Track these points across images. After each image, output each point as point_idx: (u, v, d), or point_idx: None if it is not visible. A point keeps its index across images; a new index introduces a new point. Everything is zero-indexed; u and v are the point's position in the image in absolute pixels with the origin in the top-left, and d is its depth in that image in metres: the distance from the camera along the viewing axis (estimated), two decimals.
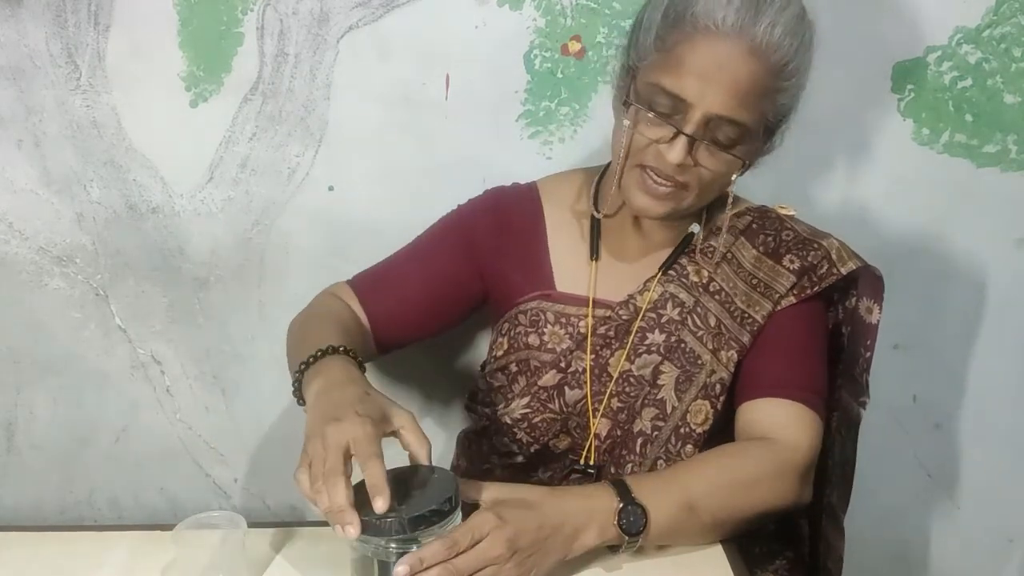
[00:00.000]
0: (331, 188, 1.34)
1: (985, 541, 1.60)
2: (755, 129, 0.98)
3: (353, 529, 0.78)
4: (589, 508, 0.91)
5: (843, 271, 1.05)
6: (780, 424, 1.02)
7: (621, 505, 0.91)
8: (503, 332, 1.13)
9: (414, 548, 0.80)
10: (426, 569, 0.79)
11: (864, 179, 1.36)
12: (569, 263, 1.12)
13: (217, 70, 1.27)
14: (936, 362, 1.47)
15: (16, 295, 1.38)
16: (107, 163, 1.31)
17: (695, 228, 1.10)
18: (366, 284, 1.16)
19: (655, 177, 0.99)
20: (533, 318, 1.11)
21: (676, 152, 0.96)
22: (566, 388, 1.10)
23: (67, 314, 1.40)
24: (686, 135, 0.95)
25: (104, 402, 1.46)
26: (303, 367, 0.95)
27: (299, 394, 0.96)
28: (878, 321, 1.08)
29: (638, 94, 0.99)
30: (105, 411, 1.47)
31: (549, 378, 1.10)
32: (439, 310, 1.17)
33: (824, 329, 1.11)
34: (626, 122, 0.99)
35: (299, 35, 1.26)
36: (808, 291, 1.06)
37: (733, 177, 1.01)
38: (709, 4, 0.92)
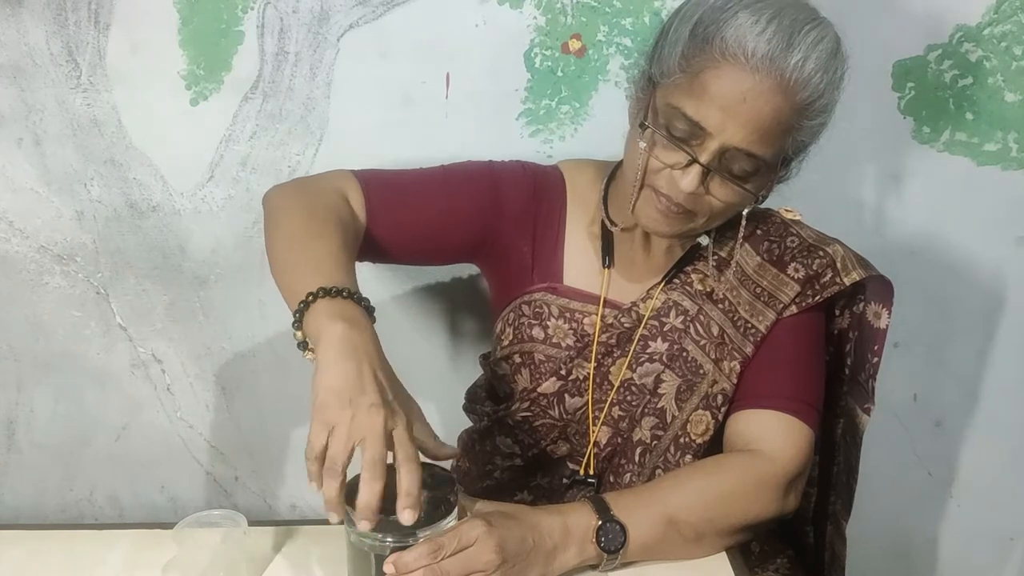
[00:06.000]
0: None
1: (986, 539, 1.60)
2: (772, 163, 0.96)
3: (336, 517, 0.79)
4: (567, 525, 0.90)
5: (846, 281, 1.03)
6: (766, 436, 1.01)
7: (599, 522, 0.91)
8: (509, 322, 1.13)
9: (410, 543, 0.81)
10: (412, 571, 0.79)
11: (864, 177, 1.36)
12: (578, 260, 1.11)
13: (217, 69, 1.27)
14: (937, 360, 1.47)
15: (17, 293, 1.39)
16: (107, 162, 1.32)
17: (704, 240, 1.08)
18: (380, 192, 1.05)
19: (666, 201, 0.97)
20: (537, 310, 1.11)
21: (689, 180, 0.94)
22: (566, 395, 1.09)
23: (67, 313, 1.40)
24: (701, 164, 0.93)
25: (105, 400, 1.46)
26: (320, 293, 0.85)
27: (300, 316, 0.86)
28: (887, 326, 1.05)
29: (656, 112, 0.96)
30: (106, 409, 1.47)
31: (549, 385, 1.09)
32: (438, 244, 1.10)
33: (822, 338, 1.10)
34: (642, 144, 0.97)
35: (299, 33, 1.26)
36: (810, 300, 1.04)
37: (744, 211, 1.01)
38: (740, 31, 0.89)
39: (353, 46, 1.26)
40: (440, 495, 0.84)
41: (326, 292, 0.85)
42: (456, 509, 0.84)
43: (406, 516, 0.78)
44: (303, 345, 0.86)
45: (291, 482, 1.54)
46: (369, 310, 0.87)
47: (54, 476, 1.52)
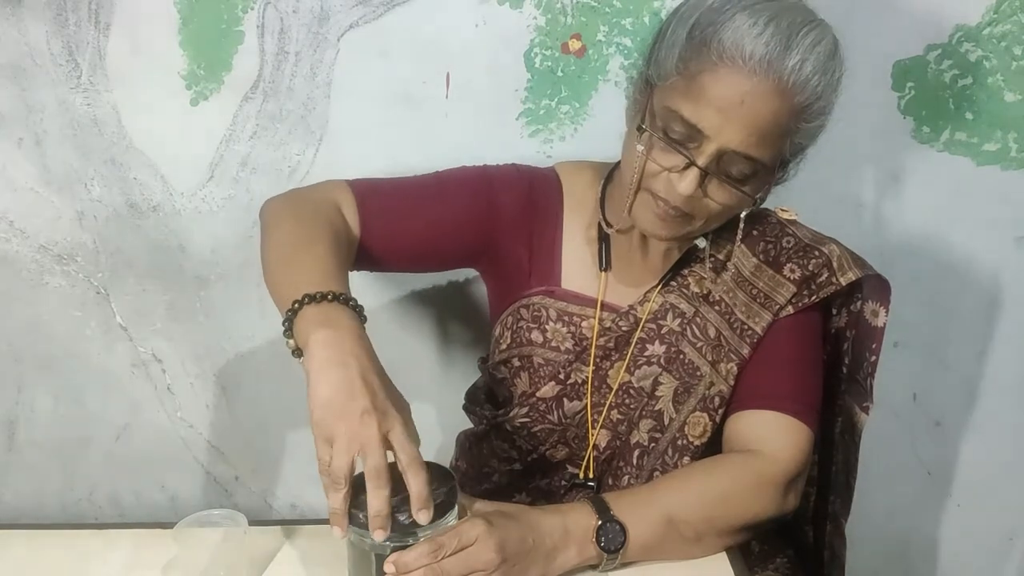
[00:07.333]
0: None
1: (985, 539, 1.60)
2: (770, 165, 0.96)
3: (340, 532, 0.81)
4: (566, 526, 0.91)
5: (842, 281, 1.03)
6: (765, 436, 1.01)
7: (599, 522, 0.91)
8: (507, 326, 1.13)
9: (410, 542, 0.81)
10: (412, 571, 0.80)
11: (864, 177, 1.36)
12: (576, 263, 1.11)
13: (217, 68, 1.27)
14: (936, 360, 1.47)
15: (17, 293, 1.39)
16: (108, 161, 1.32)
17: (701, 242, 1.08)
18: (374, 201, 1.05)
19: (664, 204, 0.97)
20: (535, 313, 1.10)
21: (687, 183, 0.93)
22: (565, 400, 1.09)
23: (68, 312, 1.40)
24: (698, 167, 0.93)
25: (105, 400, 1.47)
26: (305, 300, 0.86)
27: (289, 324, 0.87)
28: (884, 324, 1.05)
29: (653, 115, 0.96)
30: (106, 409, 1.47)
31: (548, 389, 1.09)
32: (434, 252, 1.10)
33: (819, 338, 1.10)
34: (639, 147, 0.96)
35: (299, 33, 1.26)
36: (806, 300, 1.04)
37: (742, 214, 1.01)
38: (738, 33, 0.88)
39: (353, 46, 1.26)
40: (440, 494, 0.84)
41: (311, 298, 0.86)
42: (456, 508, 0.84)
43: (422, 517, 0.81)
44: (297, 353, 0.86)
45: (291, 482, 1.54)
46: (357, 309, 0.88)
47: (54, 476, 1.52)
